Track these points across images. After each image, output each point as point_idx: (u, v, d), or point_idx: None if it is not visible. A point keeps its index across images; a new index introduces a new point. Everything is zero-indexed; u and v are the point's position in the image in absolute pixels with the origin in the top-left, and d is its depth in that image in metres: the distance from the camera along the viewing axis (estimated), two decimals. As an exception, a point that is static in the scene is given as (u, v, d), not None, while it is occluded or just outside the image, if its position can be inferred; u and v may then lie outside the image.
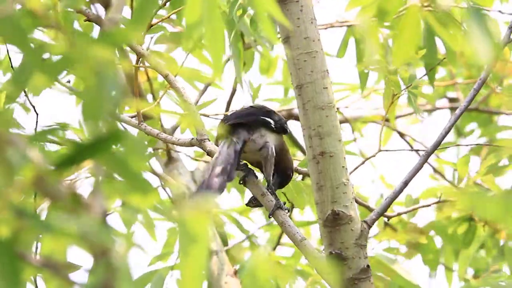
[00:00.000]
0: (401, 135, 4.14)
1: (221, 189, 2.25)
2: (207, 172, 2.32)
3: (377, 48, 2.94)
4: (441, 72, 4.08)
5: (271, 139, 2.41)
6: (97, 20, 2.45)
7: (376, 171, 3.92)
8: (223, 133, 2.38)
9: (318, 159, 2.18)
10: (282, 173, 2.44)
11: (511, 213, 1.44)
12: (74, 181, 1.49)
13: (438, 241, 3.61)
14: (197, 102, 3.51)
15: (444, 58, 3.18)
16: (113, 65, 1.49)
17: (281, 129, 2.40)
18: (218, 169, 2.28)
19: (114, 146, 1.44)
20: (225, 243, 3.73)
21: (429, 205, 3.16)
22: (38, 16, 1.48)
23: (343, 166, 2.18)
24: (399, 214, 3.16)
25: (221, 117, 2.87)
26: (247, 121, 2.38)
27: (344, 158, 2.19)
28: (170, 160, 3.61)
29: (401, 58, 1.75)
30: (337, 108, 3.98)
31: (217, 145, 2.41)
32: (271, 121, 2.39)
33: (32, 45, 1.46)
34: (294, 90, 2.16)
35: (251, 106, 2.46)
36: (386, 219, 3.30)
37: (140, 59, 2.54)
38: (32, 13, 1.45)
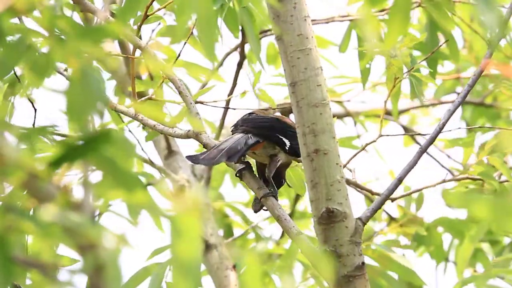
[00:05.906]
0: (405, 129, 4.11)
1: (214, 161, 2.29)
2: (212, 147, 2.34)
3: (376, 34, 2.92)
4: (448, 66, 4.03)
5: (281, 156, 2.42)
6: (93, 11, 2.43)
7: (383, 162, 3.90)
8: (237, 128, 2.39)
9: (312, 157, 2.18)
10: (278, 179, 2.45)
11: (502, 213, 1.43)
12: (65, 181, 1.48)
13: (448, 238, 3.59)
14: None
15: (447, 40, 3.15)
16: (100, 61, 1.48)
17: (293, 153, 2.40)
18: (223, 146, 2.31)
19: (104, 146, 1.44)
20: (230, 234, 3.72)
21: (433, 185, 3.12)
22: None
23: (337, 163, 2.18)
24: (401, 197, 3.15)
25: (219, 104, 2.84)
26: (265, 136, 2.39)
27: (339, 155, 2.19)
28: (170, 153, 3.58)
29: (393, 38, 1.73)
30: (340, 102, 3.96)
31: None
32: (287, 143, 2.39)
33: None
34: (288, 88, 2.16)
35: (277, 119, 2.44)
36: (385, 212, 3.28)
37: (137, 51, 2.52)
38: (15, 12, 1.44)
